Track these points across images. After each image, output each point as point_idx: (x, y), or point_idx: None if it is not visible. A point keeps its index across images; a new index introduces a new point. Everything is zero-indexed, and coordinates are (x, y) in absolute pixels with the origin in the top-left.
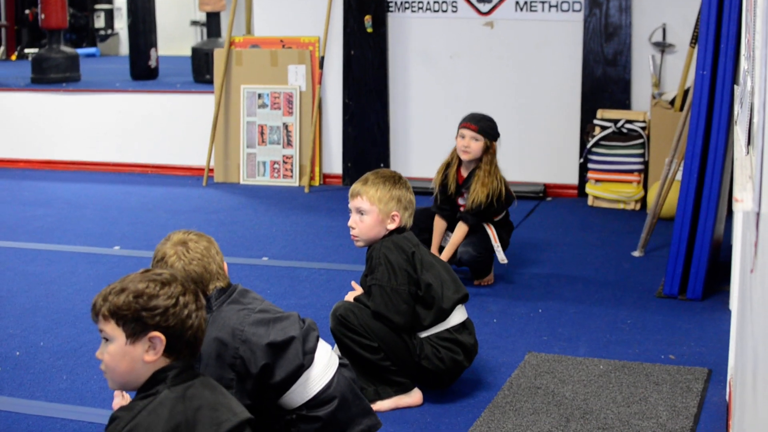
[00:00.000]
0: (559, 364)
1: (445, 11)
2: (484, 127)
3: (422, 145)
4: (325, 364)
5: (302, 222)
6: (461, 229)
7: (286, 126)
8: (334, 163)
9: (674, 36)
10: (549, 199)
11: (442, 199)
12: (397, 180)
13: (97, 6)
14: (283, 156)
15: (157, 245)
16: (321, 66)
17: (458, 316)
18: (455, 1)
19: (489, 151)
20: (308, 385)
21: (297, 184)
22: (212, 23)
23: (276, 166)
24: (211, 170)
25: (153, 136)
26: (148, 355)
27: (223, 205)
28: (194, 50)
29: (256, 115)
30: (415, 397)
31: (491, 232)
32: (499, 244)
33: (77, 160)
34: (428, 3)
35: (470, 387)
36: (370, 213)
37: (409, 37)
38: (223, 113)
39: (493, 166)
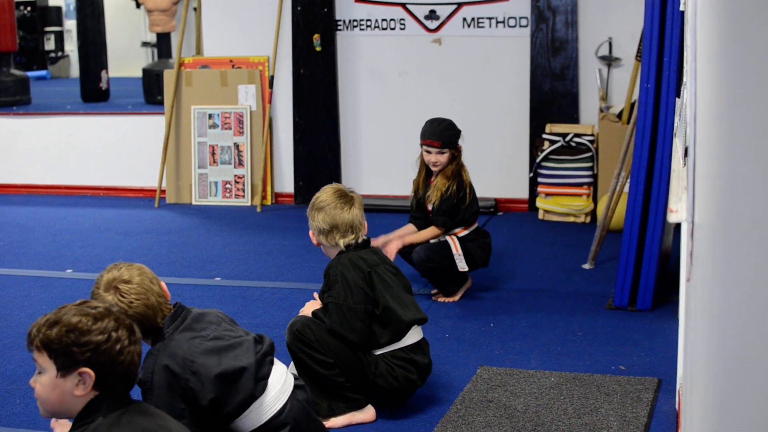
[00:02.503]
0: (511, 377)
1: (393, 29)
2: (446, 140)
3: (373, 163)
4: (278, 389)
5: (255, 241)
6: (430, 230)
7: (237, 146)
8: (285, 182)
9: (620, 50)
10: (500, 213)
11: (415, 206)
12: (313, 205)
13: (47, 28)
14: (235, 176)
15: (92, 288)
16: (271, 85)
17: (414, 336)
18: (403, 19)
19: (455, 158)
20: (261, 412)
21: (249, 203)
22: (163, 44)
23: (228, 186)
24: (162, 191)
25: (104, 158)
26: (77, 389)
27: (175, 226)
28: (145, 71)
29: (207, 136)
30: (368, 413)
31: (453, 242)
32: (460, 254)
33: (28, 184)
34: (376, 21)
35: (423, 402)
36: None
37: (358, 56)
38: (174, 134)
39: (455, 168)
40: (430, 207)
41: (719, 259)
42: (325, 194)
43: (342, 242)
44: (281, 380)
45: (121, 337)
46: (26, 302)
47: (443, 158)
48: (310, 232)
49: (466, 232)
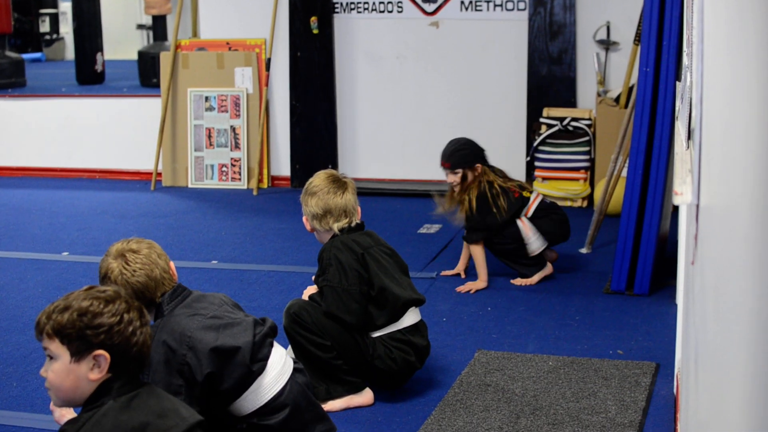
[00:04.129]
0: (509, 361)
1: (391, 12)
2: (456, 159)
3: (370, 146)
4: (278, 371)
5: (251, 224)
6: (466, 248)
7: (233, 129)
8: (282, 165)
9: (618, 34)
10: None
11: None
12: (306, 190)
13: (42, 10)
14: (231, 159)
15: (99, 261)
16: (267, 68)
17: (411, 317)
18: (401, 2)
19: (467, 178)
20: (259, 393)
21: (245, 186)
22: (158, 27)
23: (224, 169)
24: (159, 174)
25: (100, 140)
26: (92, 373)
27: (171, 209)
28: (140, 54)
29: (204, 119)
30: (366, 396)
31: (522, 224)
32: (531, 236)
33: (24, 166)
34: (374, 4)
35: (421, 385)
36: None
37: (355, 38)
38: (170, 117)
39: (472, 186)
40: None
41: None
42: (318, 179)
43: (336, 226)
44: (281, 362)
45: (133, 318)
46: (22, 285)
47: (456, 178)
48: (304, 218)
49: (533, 209)
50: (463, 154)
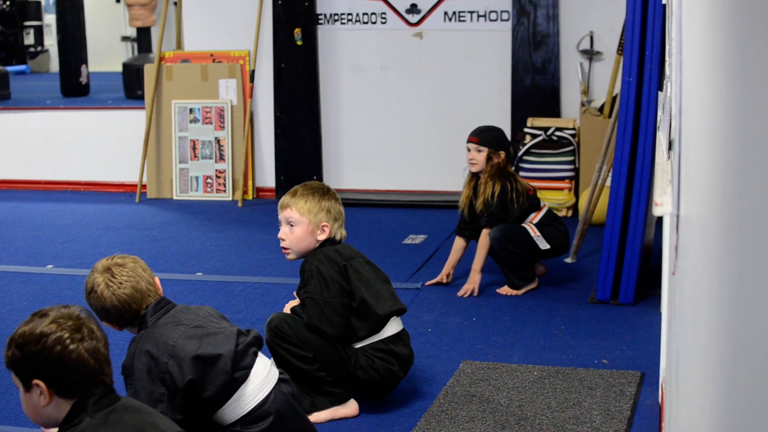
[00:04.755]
0: (494, 371)
1: (375, 23)
2: (486, 137)
3: (355, 157)
4: (261, 380)
5: (236, 236)
6: (483, 235)
7: (218, 140)
8: (266, 176)
9: (601, 44)
10: None
11: (467, 216)
12: (326, 191)
13: (27, 23)
14: (216, 170)
15: (86, 275)
16: (252, 79)
17: (393, 327)
18: (384, 13)
19: (492, 160)
20: (242, 401)
21: (230, 198)
22: (143, 39)
23: (209, 180)
24: (143, 186)
25: (85, 153)
26: (41, 400)
27: (156, 221)
28: (125, 66)
29: (188, 130)
30: (351, 407)
31: (530, 227)
32: (539, 235)
33: (8, 179)
34: (357, 15)
35: (406, 396)
36: (300, 224)
37: (339, 49)
38: (155, 129)
39: (494, 172)
40: (478, 212)
41: (730, 253)
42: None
43: (340, 233)
44: (264, 371)
45: (62, 337)
46: (6, 298)
47: (480, 157)
48: (303, 221)
49: (539, 217)
50: (494, 136)
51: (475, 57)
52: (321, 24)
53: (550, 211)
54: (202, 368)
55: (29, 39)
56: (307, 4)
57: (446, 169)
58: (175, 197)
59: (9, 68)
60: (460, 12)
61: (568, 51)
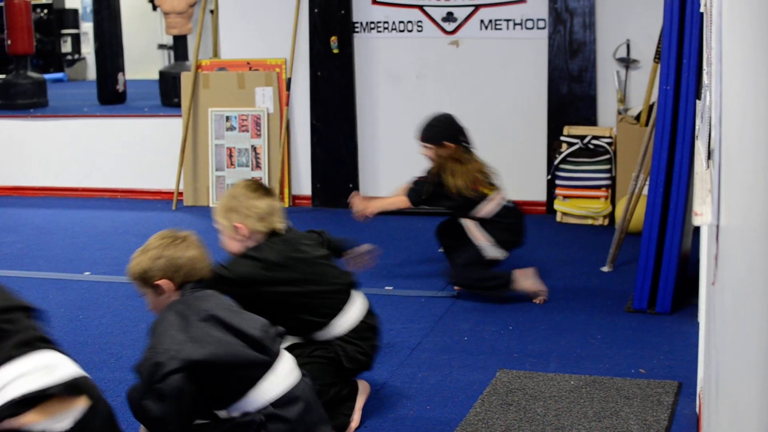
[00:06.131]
0: (531, 380)
1: (411, 31)
2: (426, 134)
3: (391, 165)
4: (291, 366)
5: None
6: (398, 198)
7: (254, 148)
8: (302, 184)
9: (638, 52)
10: None
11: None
12: (238, 188)
13: (64, 31)
14: (252, 178)
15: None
16: (288, 88)
17: (354, 308)
18: (420, 21)
19: (441, 153)
20: (275, 382)
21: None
22: (179, 47)
23: None
24: (180, 193)
25: (121, 160)
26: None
27: (193, 228)
28: (162, 74)
29: (225, 138)
30: (364, 389)
31: (467, 223)
32: (485, 241)
33: (45, 186)
34: (394, 23)
35: (442, 404)
36: (222, 231)
37: (375, 58)
38: (192, 136)
39: (446, 164)
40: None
41: None
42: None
43: (269, 225)
44: (291, 360)
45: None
46: (44, 305)
47: (430, 153)
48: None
49: (488, 210)
50: (434, 131)
51: (511, 65)
52: (357, 32)
53: (506, 205)
54: (230, 339)
55: (66, 47)
56: (343, 12)
57: None
58: (211, 205)
59: (47, 76)
60: (496, 20)
61: (605, 59)
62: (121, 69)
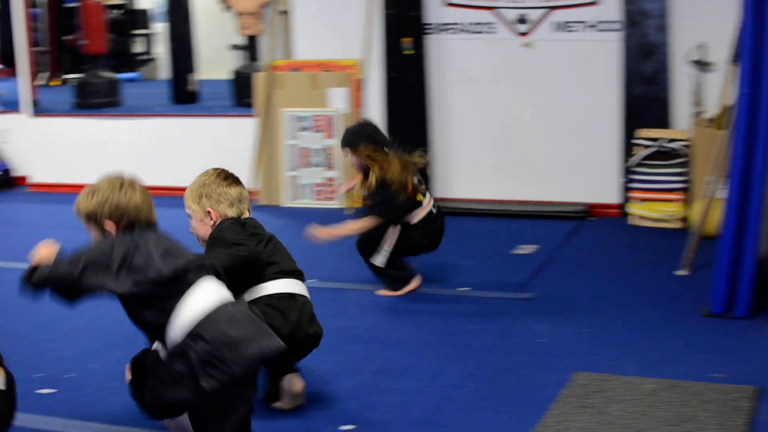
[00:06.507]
0: (608, 383)
1: (484, 33)
2: (343, 140)
3: (463, 166)
4: (214, 288)
5: (346, 244)
6: (363, 220)
7: (327, 148)
8: None
9: (713, 54)
10: (592, 219)
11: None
12: (209, 177)
13: (136, 31)
14: (326, 178)
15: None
16: (361, 89)
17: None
18: (493, 23)
19: (361, 155)
20: (194, 307)
21: (338, 206)
22: (251, 47)
23: (318, 188)
24: (251, 193)
25: (194, 159)
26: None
27: (267, 228)
28: (235, 74)
29: (298, 138)
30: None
31: (392, 233)
32: (388, 249)
33: None
34: (466, 25)
35: (518, 406)
36: (193, 216)
37: (448, 59)
38: (265, 136)
39: (369, 164)
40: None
41: None
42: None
43: (233, 211)
44: (213, 284)
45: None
46: None
47: (352, 159)
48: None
49: (418, 218)
50: (349, 134)
51: (584, 67)
52: (430, 33)
53: (431, 211)
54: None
55: (139, 47)
56: (416, 13)
57: (556, 179)
58: (285, 204)
59: (121, 75)
60: (569, 22)
61: (679, 61)
62: (194, 69)
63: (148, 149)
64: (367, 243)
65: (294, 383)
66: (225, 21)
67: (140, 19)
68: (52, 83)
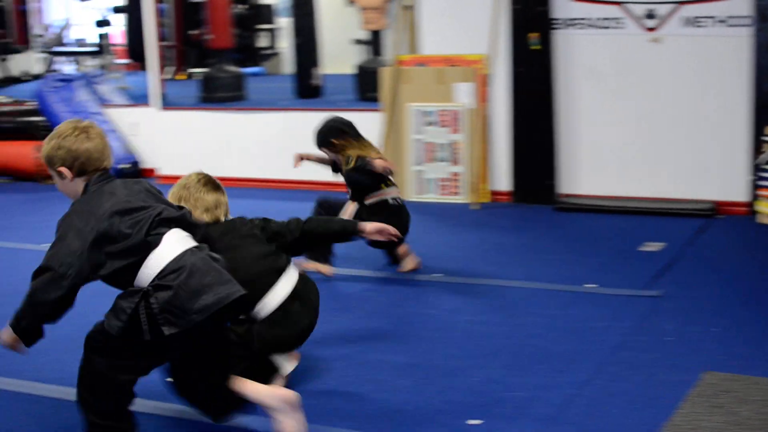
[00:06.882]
0: (737, 383)
1: (611, 28)
2: (317, 141)
3: (590, 163)
4: (174, 241)
5: (472, 239)
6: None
7: (453, 143)
8: (501, 180)
9: None
10: (720, 216)
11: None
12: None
13: (261, 26)
14: (451, 173)
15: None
16: (487, 84)
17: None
18: (621, 18)
19: (336, 149)
20: (158, 260)
21: (464, 201)
22: (375, 42)
23: (443, 183)
24: None
25: (319, 152)
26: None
27: None
28: (359, 68)
29: (424, 133)
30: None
31: (349, 207)
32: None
33: (246, 177)
34: (594, 20)
35: (646, 405)
36: None
37: (575, 54)
38: (390, 131)
39: (347, 158)
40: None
41: None
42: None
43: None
44: (179, 238)
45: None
46: None
47: (330, 156)
48: None
49: (372, 200)
50: (320, 135)
51: (713, 63)
52: (557, 29)
53: (389, 201)
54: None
55: (263, 41)
56: (543, 9)
57: (683, 175)
58: (409, 199)
59: (246, 70)
60: (698, 17)
61: None
62: (319, 63)
63: (274, 143)
64: (328, 211)
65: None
66: (349, 16)
67: (265, 13)
68: (177, 77)
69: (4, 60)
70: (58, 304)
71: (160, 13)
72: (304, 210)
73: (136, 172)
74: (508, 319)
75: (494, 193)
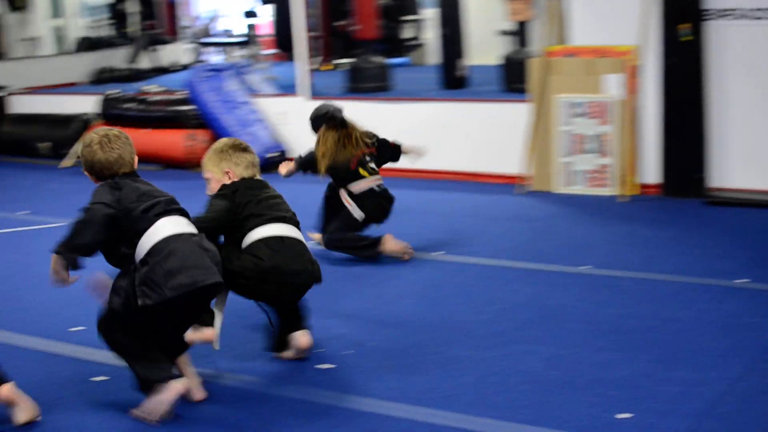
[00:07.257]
0: None
1: (765, 19)
2: (311, 126)
3: (742, 157)
4: (173, 224)
5: (620, 231)
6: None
7: (602, 135)
8: (650, 172)
9: None
10: None
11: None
12: (226, 145)
13: (406, 17)
14: (599, 165)
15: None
16: (637, 75)
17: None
18: None
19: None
20: (154, 234)
21: (612, 193)
22: (522, 32)
23: (591, 175)
24: (521, 178)
25: (464, 143)
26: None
27: (540, 214)
28: (505, 59)
29: (572, 124)
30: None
31: (342, 194)
32: (352, 204)
33: (394, 167)
34: (747, 11)
35: None
36: (212, 178)
37: (728, 46)
38: (539, 122)
39: (318, 143)
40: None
41: None
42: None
43: (246, 172)
44: (177, 221)
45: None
46: (398, 281)
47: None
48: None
49: (360, 188)
50: (311, 123)
51: None
52: (709, 19)
53: (373, 189)
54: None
55: (407, 32)
56: None
57: None
58: (557, 190)
59: (392, 60)
60: None
61: None
62: (464, 54)
63: (420, 133)
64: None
65: (302, 340)
66: (495, 6)
67: (410, 5)
68: (323, 68)
69: (154, 50)
70: None
71: (307, 4)
72: (455, 200)
73: (283, 160)
74: (657, 313)
75: (642, 186)
